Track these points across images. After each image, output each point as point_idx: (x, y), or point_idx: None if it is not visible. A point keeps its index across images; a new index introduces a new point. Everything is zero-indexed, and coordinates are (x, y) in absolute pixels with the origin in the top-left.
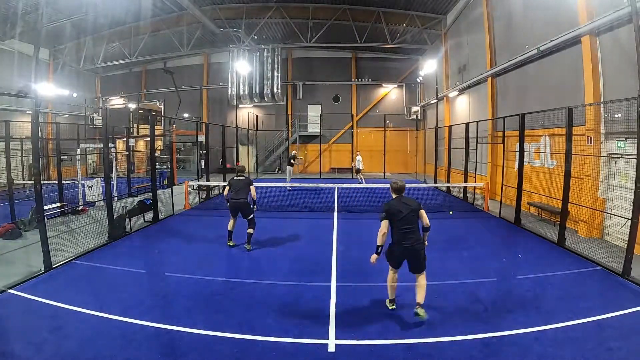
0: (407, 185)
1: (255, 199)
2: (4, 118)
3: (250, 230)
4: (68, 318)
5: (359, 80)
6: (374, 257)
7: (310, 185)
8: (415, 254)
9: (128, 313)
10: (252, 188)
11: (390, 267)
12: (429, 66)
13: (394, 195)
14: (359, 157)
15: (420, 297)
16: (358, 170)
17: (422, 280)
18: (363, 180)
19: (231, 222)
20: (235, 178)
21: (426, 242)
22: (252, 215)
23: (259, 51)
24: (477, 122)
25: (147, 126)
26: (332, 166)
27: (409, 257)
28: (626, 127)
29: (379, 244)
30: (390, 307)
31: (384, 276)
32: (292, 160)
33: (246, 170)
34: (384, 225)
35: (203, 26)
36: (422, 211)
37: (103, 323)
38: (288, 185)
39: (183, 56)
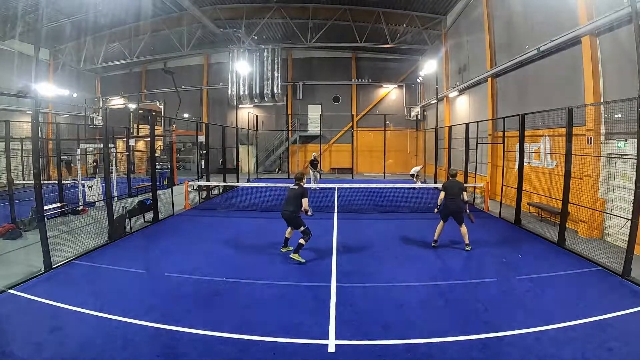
0: (407, 186)
1: (306, 210)
2: (4, 118)
3: (301, 240)
4: (68, 318)
5: (359, 80)
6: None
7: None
8: (456, 212)
9: (128, 313)
10: (305, 201)
11: (441, 220)
12: (429, 66)
13: (450, 178)
14: (417, 168)
15: (466, 239)
16: (414, 175)
17: (463, 229)
18: (417, 182)
19: (288, 229)
20: (290, 187)
21: (466, 211)
22: (302, 227)
23: (259, 51)
24: (477, 122)
25: (147, 126)
26: (333, 166)
27: (452, 214)
28: (626, 127)
29: (438, 203)
30: (433, 245)
31: (383, 276)
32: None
33: (303, 179)
34: (442, 194)
35: (203, 26)
36: (464, 192)
37: (103, 323)
38: (313, 185)
39: (183, 56)
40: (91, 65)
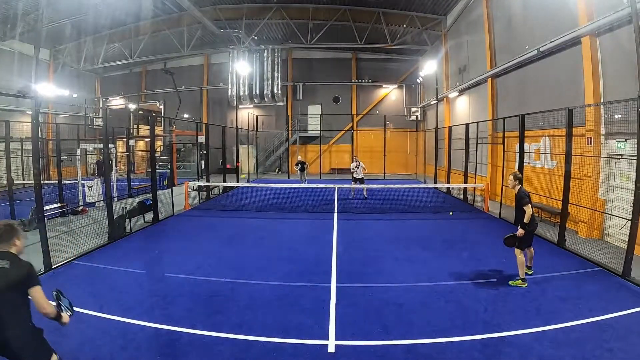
0: (407, 186)
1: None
2: (4, 118)
3: None
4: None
5: (359, 80)
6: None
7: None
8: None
9: (128, 313)
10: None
11: (521, 251)
12: (429, 67)
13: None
14: (357, 164)
15: (530, 262)
16: (358, 180)
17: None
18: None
19: None
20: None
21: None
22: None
23: (259, 52)
24: (477, 122)
25: (147, 127)
26: (332, 167)
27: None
28: (626, 127)
29: (526, 221)
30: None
31: (384, 277)
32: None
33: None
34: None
35: (203, 27)
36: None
37: (103, 323)
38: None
39: (183, 57)
40: (91, 66)
